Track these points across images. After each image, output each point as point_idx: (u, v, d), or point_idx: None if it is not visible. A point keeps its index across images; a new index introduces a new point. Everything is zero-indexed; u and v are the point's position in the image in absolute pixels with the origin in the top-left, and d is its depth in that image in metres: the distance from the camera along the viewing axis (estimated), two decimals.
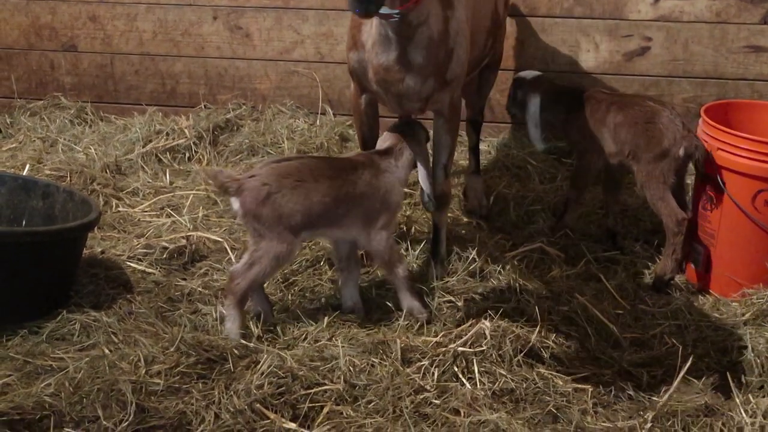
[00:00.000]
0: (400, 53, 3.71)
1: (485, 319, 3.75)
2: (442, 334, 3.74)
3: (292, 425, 3.27)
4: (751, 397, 3.49)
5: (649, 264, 4.50)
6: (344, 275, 4.01)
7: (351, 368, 3.54)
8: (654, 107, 4.49)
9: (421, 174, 4.11)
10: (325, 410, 3.34)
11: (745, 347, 3.79)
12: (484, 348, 3.61)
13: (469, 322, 3.76)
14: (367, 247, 3.92)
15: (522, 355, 3.63)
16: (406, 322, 3.86)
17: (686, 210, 4.39)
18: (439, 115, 4.06)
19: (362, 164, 3.92)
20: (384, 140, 4.08)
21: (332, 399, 3.39)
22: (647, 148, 4.39)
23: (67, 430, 3.18)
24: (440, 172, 4.14)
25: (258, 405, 3.30)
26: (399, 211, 4.22)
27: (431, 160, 4.17)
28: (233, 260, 4.34)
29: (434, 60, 3.76)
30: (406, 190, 5.04)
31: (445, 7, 3.72)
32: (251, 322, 3.83)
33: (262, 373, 3.42)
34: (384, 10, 3.48)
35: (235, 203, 3.74)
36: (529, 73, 4.96)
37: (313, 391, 3.40)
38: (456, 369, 3.55)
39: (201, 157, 5.70)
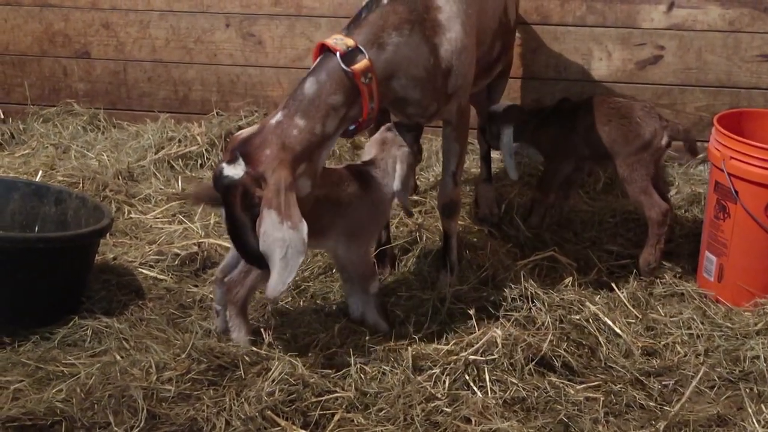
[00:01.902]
0: (398, 95, 3.77)
1: (497, 327, 3.74)
2: (453, 342, 3.73)
3: None
4: (763, 407, 3.46)
5: (662, 271, 4.49)
6: (348, 285, 4.02)
7: (362, 376, 3.54)
8: (625, 102, 4.60)
9: (397, 174, 4.01)
10: (336, 417, 3.34)
11: (758, 357, 3.77)
12: (496, 356, 3.60)
13: (481, 330, 3.75)
14: (343, 258, 3.89)
15: (533, 363, 3.62)
16: (415, 329, 3.86)
17: (667, 201, 4.54)
18: (447, 123, 4.07)
19: (348, 177, 3.91)
20: (368, 150, 4.07)
21: (343, 406, 3.39)
22: (626, 143, 4.49)
23: None
24: (449, 180, 4.13)
25: (269, 412, 3.30)
26: (384, 224, 4.23)
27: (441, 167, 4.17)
28: None
29: (431, 90, 3.79)
30: (415, 197, 5.07)
31: (431, 37, 3.71)
32: (262, 330, 3.83)
33: (273, 380, 3.41)
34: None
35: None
36: (500, 106, 4.93)
37: (324, 398, 3.40)
38: (467, 377, 3.54)
39: (213, 164, 5.71)
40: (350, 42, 3.53)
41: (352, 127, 3.71)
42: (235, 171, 3.40)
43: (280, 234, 3.31)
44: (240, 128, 5.98)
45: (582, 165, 4.86)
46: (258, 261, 3.49)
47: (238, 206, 3.43)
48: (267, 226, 3.32)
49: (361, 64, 3.51)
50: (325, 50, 3.58)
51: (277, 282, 3.34)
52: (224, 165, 3.43)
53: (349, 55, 3.51)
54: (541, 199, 4.90)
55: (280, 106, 3.53)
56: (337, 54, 3.50)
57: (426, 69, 3.72)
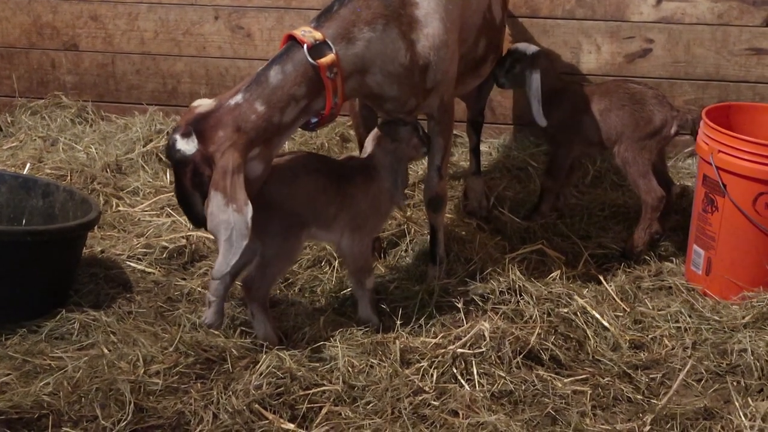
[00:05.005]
0: (374, 91, 3.77)
1: (484, 320, 3.74)
2: (441, 335, 3.73)
3: (291, 426, 3.27)
4: (750, 401, 3.48)
5: (650, 264, 4.50)
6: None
7: (350, 369, 3.54)
8: (639, 89, 4.66)
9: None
10: (324, 411, 3.34)
11: (745, 350, 3.77)
12: (483, 349, 3.61)
13: (469, 324, 3.75)
14: (346, 250, 3.88)
15: (521, 356, 3.62)
16: (402, 322, 3.85)
17: (671, 185, 4.71)
18: (430, 118, 4.06)
19: (354, 167, 3.92)
20: (368, 144, 4.05)
21: (331, 400, 3.39)
22: (637, 129, 4.56)
23: (65, 429, 3.18)
24: (434, 174, 4.12)
25: (256, 405, 3.30)
26: (387, 217, 4.20)
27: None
28: None
29: (408, 86, 3.79)
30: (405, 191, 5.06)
31: (407, 33, 3.71)
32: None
33: (261, 374, 3.41)
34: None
35: None
36: (526, 47, 4.76)
37: (311, 391, 3.40)
38: (455, 370, 3.54)
39: None
40: (318, 35, 3.55)
41: (314, 120, 3.73)
42: (187, 146, 3.45)
43: (225, 216, 3.35)
44: None
45: (588, 151, 4.88)
46: (204, 225, 3.53)
47: (187, 181, 3.50)
48: (213, 207, 3.37)
49: (327, 58, 3.53)
50: (292, 40, 3.58)
51: (221, 263, 3.39)
52: (177, 137, 3.47)
53: (316, 49, 3.53)
54: (551, 187, 4.90)
55: (241, 87, 3.57)
56: (305, 46, 3.50)
57: (402, 65, 3.72)
